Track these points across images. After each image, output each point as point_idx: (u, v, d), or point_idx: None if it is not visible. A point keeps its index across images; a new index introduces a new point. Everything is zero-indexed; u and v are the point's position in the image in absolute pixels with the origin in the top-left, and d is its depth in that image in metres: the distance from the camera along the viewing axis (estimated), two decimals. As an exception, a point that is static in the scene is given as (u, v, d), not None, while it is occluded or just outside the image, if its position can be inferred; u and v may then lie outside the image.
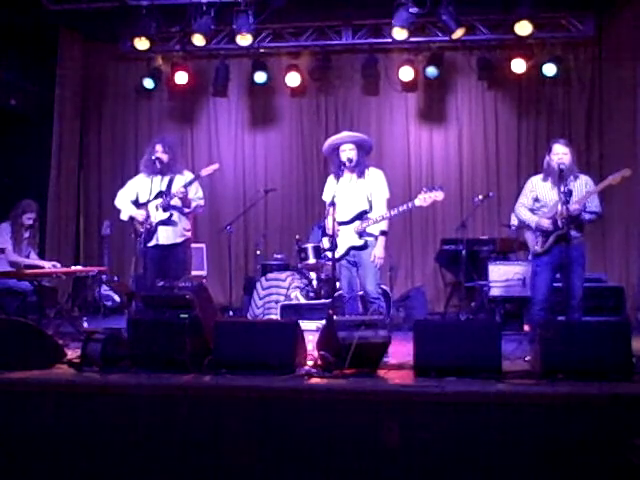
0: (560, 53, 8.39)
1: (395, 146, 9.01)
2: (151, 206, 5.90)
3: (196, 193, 6.05)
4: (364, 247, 5.30)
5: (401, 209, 5.27)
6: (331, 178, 5.52)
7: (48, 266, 6.43)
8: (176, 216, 5.96)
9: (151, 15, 7.56)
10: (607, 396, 3.83)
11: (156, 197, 5.93)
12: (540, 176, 5.38)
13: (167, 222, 5.93)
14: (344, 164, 5.32)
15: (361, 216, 5.33)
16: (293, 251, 7.89)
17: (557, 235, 5.12)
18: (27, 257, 6.61)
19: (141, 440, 4.04)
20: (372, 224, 5.29)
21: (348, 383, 4.16)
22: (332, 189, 5.37)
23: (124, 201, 6.08)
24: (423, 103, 8.99)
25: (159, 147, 5.98)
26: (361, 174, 5.38)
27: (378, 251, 5.28)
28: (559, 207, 5.09)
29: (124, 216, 6.06)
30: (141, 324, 4.67)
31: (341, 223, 5.31)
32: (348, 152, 5.34)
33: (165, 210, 5.92)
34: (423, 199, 5.24)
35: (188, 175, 6.08)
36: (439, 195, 5.24)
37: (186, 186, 5.86)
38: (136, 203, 6.04)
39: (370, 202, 5.35)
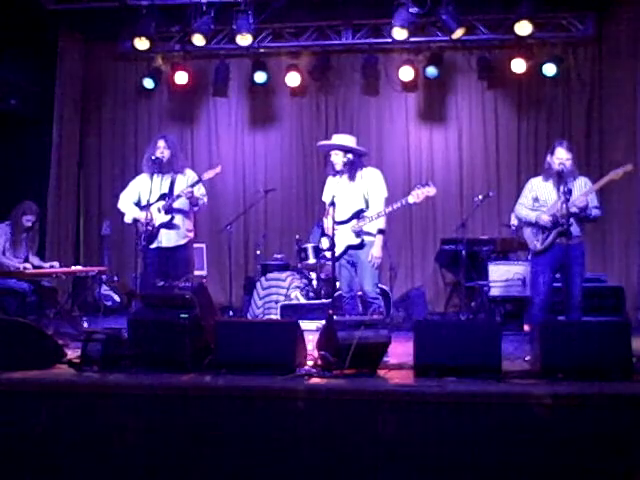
0: (560, 53, 8.39)
1: (395, 146, 9.01)
2: (153, 208, 5.89)
3: (199, 190, 6.05)
4: (361, 246, 5.32)
5: (395, 206, 5.30)
6: (330, 178, 5.56)
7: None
8: (178, 219, 5.94)
9: (151, 15, 7.57)
10: (607, 396, 3.83)
11: (158, 199, 5.92)
12: (540, 177, 5.40)
13: (169, 225, 5.91)
14: (334, 167, 5.39)
15: (358, 215, 5.35)
16: (293, 251, 7.89)
17: (558, 231, 5.12)
18: (26, 259, 6.60)
19: (141, 440, 4.04)
20: (368, 222, 5.31)
21: (348, 383, 4.16)
22: (332, 189, 5.41)
23: (127, 204, 6.05)
24: (423, 103, 8.99)
25: (161, 143, 5.96)
26: (354, 176, 5.39)
27: (375, 250, 5.29)
28: (559, 204, 5.10)
29: (128, 219, 6.05)
30: (141, 324, 4.68)
31: (338, 222, 5.32)
32: (334, 157, 5.41)
33: (167, 213, 5.91)
34: (416, 195, 5.27)
35: (189, 174, 6.07)
36: (431, 190, 5.27)
37: (192, 186, 5.86)
38: (139, 204, 6.02)
39: (367, 201, 5.37)
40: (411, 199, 5.28)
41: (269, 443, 3.94)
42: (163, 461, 4.01)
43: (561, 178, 5.13)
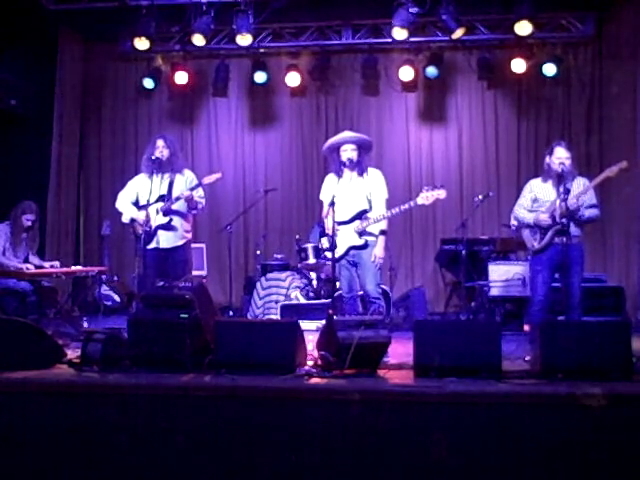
0: (560, 53, 8.40)
1: (395, 146, 9.02)
2: (152, 209, 5.87)
3: (197, 193, 6.04)
4: (364, 247, 5.31)
5: (403, 208, 5.27)
6: (330, 177, 5.52)
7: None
8: (176, 221, 5.94)
9: (151, 15, 7.57)
10: (607, 396, 3.83)
11: (157, 200, 5.92)
12: (539, 179, 5.40)
13: (167, 227, 5.90)
14: (344, 164, 5.34)
15: (360, 215, 5.34)
16: (293, 251, 7.89)
17: (556, 230, 5.12)
18: (25, 259, 6.59)
19: (141, 440, 4.04)
20: (372, 223, 5.29)
21: (348, 383, 4.16)
22: (331, 189, 5.38)
23: (125, 203, 6.05)
24: (423, 103, 8.99)
25: (160, 142, 5.95)
26: (361, 173, 5.39)
27: (378, 251, 5.28)
28: (557, 203, 5.10)
29: (125, 218, 6.05)
30: (141, 324, 4.67)
31: (340, 223, 5.31)
32: (349, 152, 5.35)
33: (165, 214, 5.90)
34: (425, 197, 5.24)
35: (188, 174, 6.07)
36: (442, 193, 5.24)
37: (192, 189, 5.86)
38: (137, 204, 6.02)
39: (370, 201, 5.36)
40: (420, 201, 5.25)
41: (269, 443, 3.94)
42: (163, 461, 4.01)
43: (561, 179, 5.13)
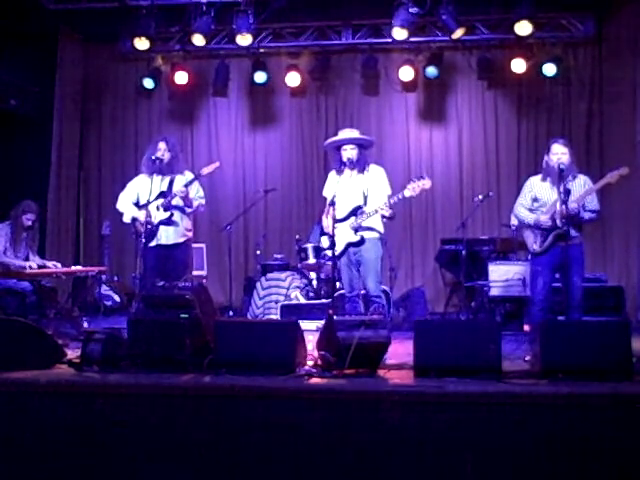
0: (560, 53, 8.39)
1: (395, 146, 9.01)
2: (152, 206, 5.90)
3: (197, 192, 6.06)
4: (361, 243, 5.32)
5: (392, 201, 5.30)
6: (333, 174, 5.57)
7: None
8: (177, 216, 5.96)
9: (151, 15, 7.57)
10: (607, 396, 3.83)
11: (157, 197, 5.94)
12: (539, 176, 5.39)
13: (168, 222, 5.93)
14: (345, 163, 5.37)
15: (356, 212, 5.37)
16: (293, 251, 7.89)
17: (556, 234, 5.12)
18: (26, 258, 6.59)
19: (141, 440, 4.04)
20: (366, 218, 5.32)
21: (348, 383, 4.16)
22: (333, 186, 5.41)
23: (126, 203, 6.07)
24: (423, 103, 9.00)
25: (162, 145, 5.98)
26: (362, 170, 5.43)
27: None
28: (558, 206, 5.09)
29: (127, 218, 6.07)
30: (141, 324, 4.67)
31: (338, 220, 5.32)
32: (349, 152, 5.39)
33: (166, 210, 5.92)
34: (412, 189, 5.28)
35: (189, 175, 6.08)
36: (427, 183, 5.28)
37: (187, 185, 5.87)
38: (137, 204, 6.03)
39: (365, 197, 5.39)
40: (407, 193, 5.29)
41: (268, 443, 3.94)
42: (163, 461, 4.01)
43: (561, 177, 5.11)
